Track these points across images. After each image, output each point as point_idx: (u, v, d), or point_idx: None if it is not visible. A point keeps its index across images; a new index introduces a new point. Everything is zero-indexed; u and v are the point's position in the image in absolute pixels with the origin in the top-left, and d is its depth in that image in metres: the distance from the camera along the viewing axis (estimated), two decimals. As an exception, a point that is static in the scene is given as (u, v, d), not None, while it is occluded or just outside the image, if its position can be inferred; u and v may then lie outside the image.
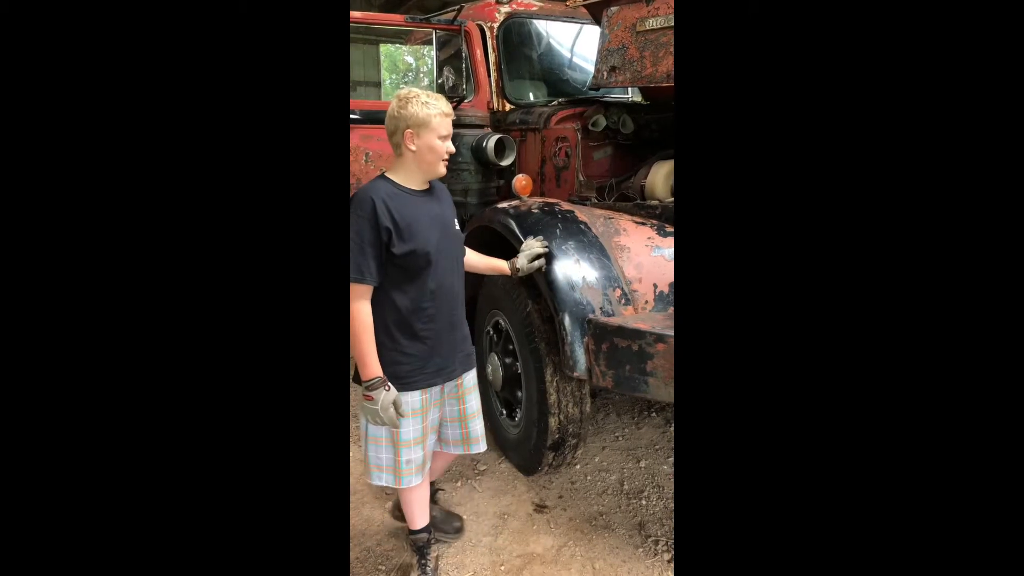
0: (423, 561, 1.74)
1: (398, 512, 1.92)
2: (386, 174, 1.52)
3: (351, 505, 2.14)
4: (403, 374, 1.51)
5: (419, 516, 1.73)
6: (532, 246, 1.86)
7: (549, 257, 1.90)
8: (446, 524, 1.92)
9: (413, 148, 1.45)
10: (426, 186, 1.54)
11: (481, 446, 1.73)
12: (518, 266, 1.83)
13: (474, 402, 1.70)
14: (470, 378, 1.69)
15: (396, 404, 1.45)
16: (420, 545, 1.75)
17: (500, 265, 1.85)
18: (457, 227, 1.61)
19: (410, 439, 1.55)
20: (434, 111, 1.43)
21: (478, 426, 1.71)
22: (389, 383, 1.47)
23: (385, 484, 1.60)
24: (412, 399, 1.54)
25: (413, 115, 1.42)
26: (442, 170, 1.50)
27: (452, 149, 1.50)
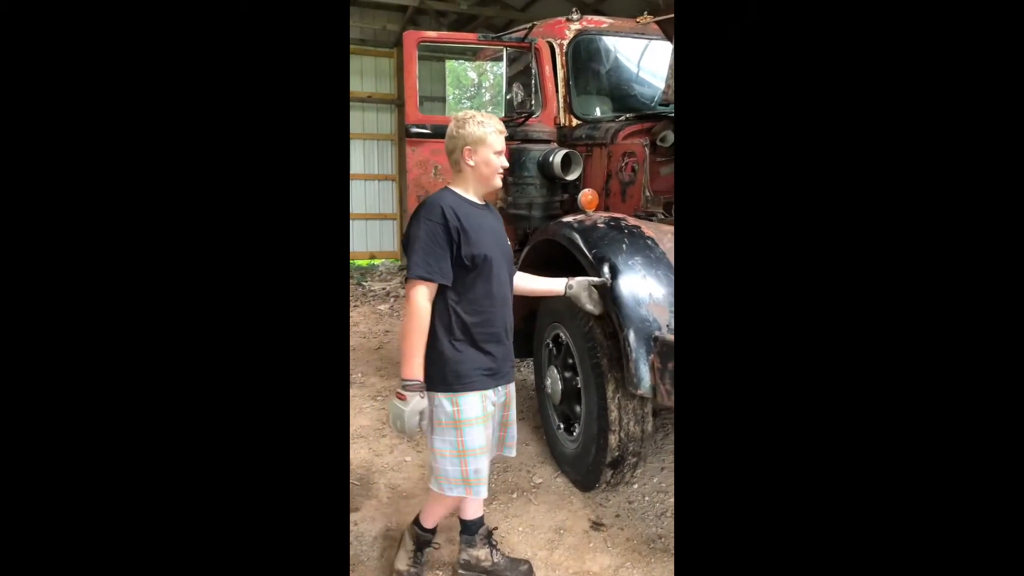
0: (418, 553, 1.77)
1: (465, 571, 1.83)
2: (449, 187, 1.62)
3: (411, 509, 2.19)
4: (464, 373, 1.54)
5: (435, 519, 1.77)
6: (592, 281, 1.89)
7: (615, 272, 1.89)
8: (512, 571, 1.80)
9: (471, 163, 1.57)
10: (483, 201, 1.65)
11: (513, 451, 1.78)
12: (573, 288, 1.86)
13: (514, 411, 1.75)
14: (512, 387, 1.74)
15: (422, 415, 1.50)
16: (421, 542, 1.78)
17: (555, 287, 1.87)
18: (509, 244, 1.69)
19: (476, 447, 1.56)
20: (489, 129, 1.55)
21: (514, 432, 1.77)
22: (425, 391, 1.52)
23: (459, 495, 1.61)
24: (474, 405, 1.55)
25: (471, 134, 1.55)
26: (498, 183, 1.62)
27: (506, 164, 1.61)
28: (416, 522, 1.79)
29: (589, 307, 1.88)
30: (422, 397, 1.50)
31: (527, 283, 1.83)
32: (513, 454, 1.78)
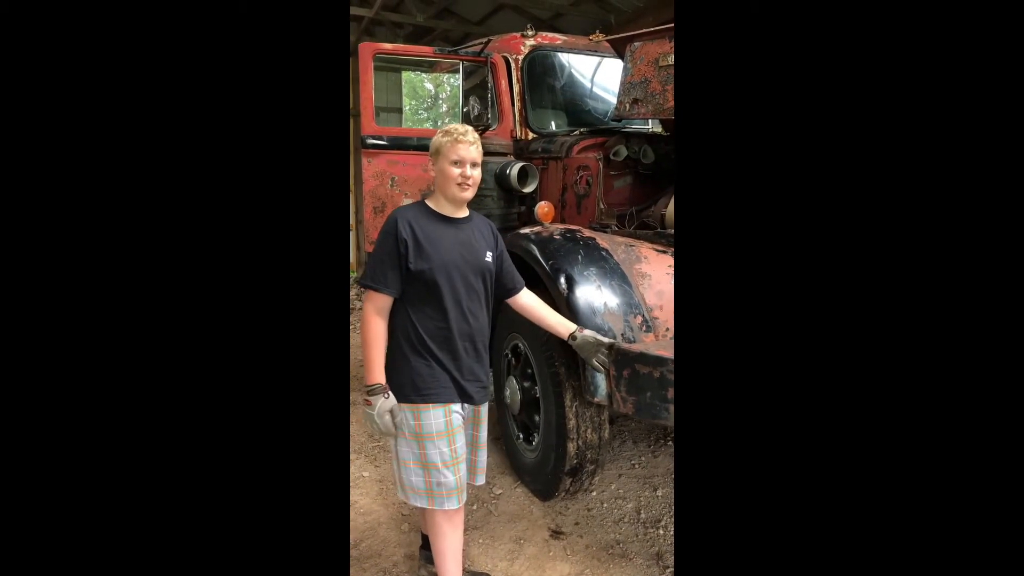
0: (430, 566, 1.69)
1: None
2: (425, 199, 1.64)
3: (367, 526, 2.15)
4: (422, 386, 1.53)
5: (452, 570, 1.63)
6: (601, 341, 1.70)
7: (571, 283, 1.93)
8: None
9: (432, 173, 1.59)
10: (460, 213, 1.61)
11: (482, 478, 1.74)
12: (577, 339, 1.69)
13: (485, 432, 1.73)
14: (485, 409, 1.72)
15: (392, 413, 1.50)
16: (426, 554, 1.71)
17: (560, 328, 1.72)
18: (488, 259, 1.61)
19: (437, 461, 1.53)
20: (446, 138, 1.53)
21: (484, 457, 1.74)
22: (389, 391, 1.52)
23: (423, 506, 1.57)
24: (436, 419, 1.53)
25: (432, 143, 1.58)
26: (459, 193, 1.55)
27: (470, 174, 1.53)
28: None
29: (595, 363, 1.70)
30: (386, 397, 1.51)
31: (534, 306, 1.74)
32: (482, 482, 1.74)
